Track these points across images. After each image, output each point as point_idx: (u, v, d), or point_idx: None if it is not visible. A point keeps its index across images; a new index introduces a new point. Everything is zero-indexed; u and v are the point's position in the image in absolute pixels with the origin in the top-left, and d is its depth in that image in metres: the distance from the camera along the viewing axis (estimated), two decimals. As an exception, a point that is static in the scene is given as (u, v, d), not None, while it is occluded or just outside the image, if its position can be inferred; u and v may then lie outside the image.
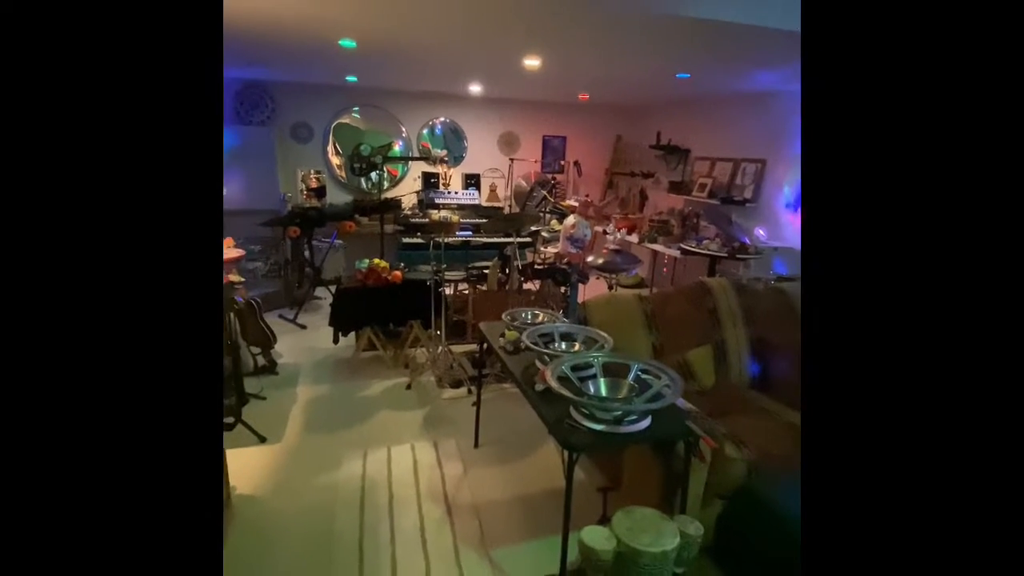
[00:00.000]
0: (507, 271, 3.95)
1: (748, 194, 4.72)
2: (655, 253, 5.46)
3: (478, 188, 6.15)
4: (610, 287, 4.27)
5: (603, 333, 2.16)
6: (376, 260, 3.72)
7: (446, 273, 3.77)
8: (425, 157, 5.79)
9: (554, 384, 1.67)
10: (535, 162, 6.52)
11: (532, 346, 2.06)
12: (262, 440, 2.82)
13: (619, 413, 1.62)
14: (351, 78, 5.07)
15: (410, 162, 6.04)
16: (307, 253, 5.04)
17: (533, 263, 4.21)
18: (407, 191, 5.89)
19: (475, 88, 5.41)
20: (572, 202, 5.42)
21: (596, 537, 1.49)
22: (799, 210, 4.21)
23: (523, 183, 6.40)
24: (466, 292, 4.30)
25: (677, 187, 5.52)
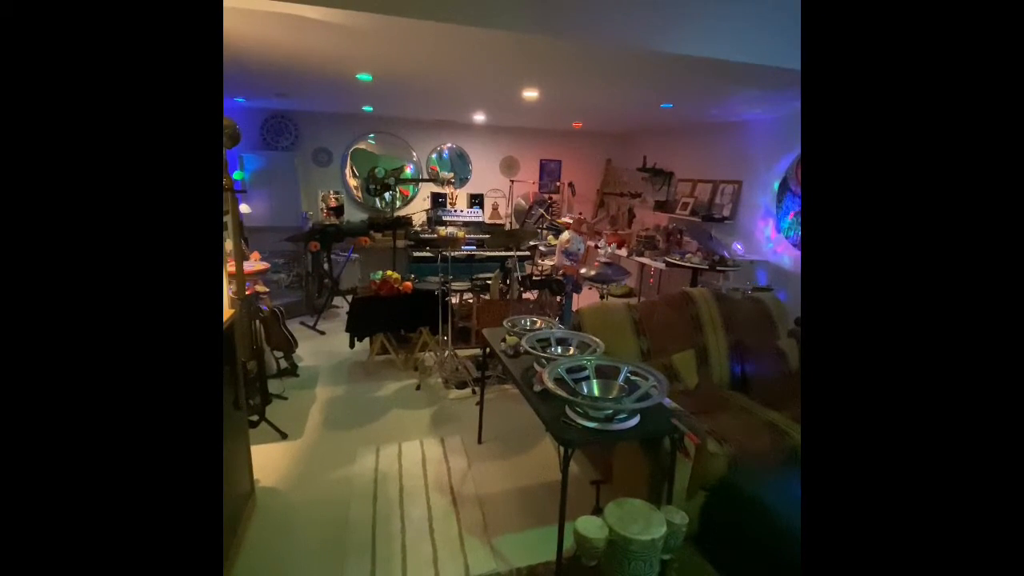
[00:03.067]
0: (508, 282, 3.95)
1: (726, 212, 4.73)
2: (642, 265, 5.46)
3: (482, 207, 6.17)
4: (601, 296, 4.26)
5: (595, 338, 2.16)
6: (389, 272, 3.72)
7: (452, 284, 3.77)
8: (434, 179, 5.81)
9: (551, 385, 1.66)
10: (533, 183, 6.55)
11: (531, 350, 2.05)
12: (284, 436, 2.81)
13: (610, 412, 1.61)
14: (367, 108, 5.11)
15: (420, 183, 6.07)
16: (326, 266, 5.05)
17: (531, 275, 4.21)
18: (417, 209, 5.91)
19: (479, 117, 5.45)
20: (567, 219, 5.44)
21: (590, 526, 1.48)
22: (780, 230, 4.21)
23: (522, 202, 6.42)
24: (470, 301, 4.29)
25: (662, 206, 5.53)
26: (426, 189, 6.06)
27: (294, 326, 4.42)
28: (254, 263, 3.79)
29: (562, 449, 1.56)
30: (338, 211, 5.67)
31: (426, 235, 5.23)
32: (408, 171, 6.00)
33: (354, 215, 5.83)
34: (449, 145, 6.21)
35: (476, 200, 6.22)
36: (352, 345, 3.74)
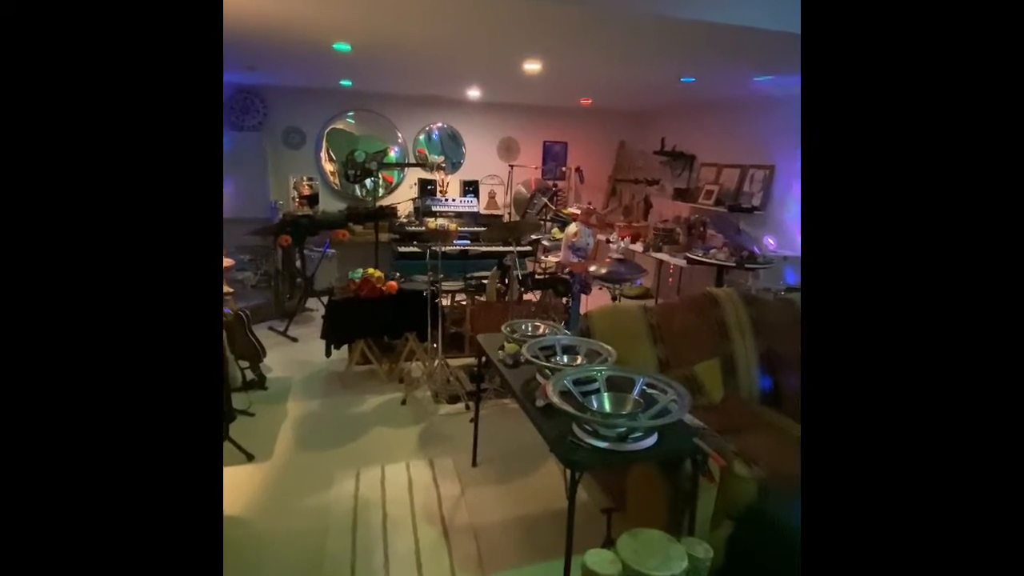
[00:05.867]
0: (506, 281, 3.95)
1: (756, 201, 4.73)
2: (660, 263, 5.47)
3: (476, 195, 6.18)
4: (613, 298, 4.26)
5: (606, 346, 2.16)
6: (370, 270, 3.72)
7: (443, 283, 3.77)
8: (422, 164, 5.82)
9: (555, 399, 1.66)
10: (535, 168, 6.56)
11: (532, 359, 2.05)
12: (250, 458, 2.80)
13: (623, 430, 1.61)
14: (345, 82, 5.11)
15: (406, 169, 6.07)
16: (299, 263, 5.05)
17: (533, 273, 4.21)
18: (403, 198, 5.92)
19: (474, 92, 5.45)
20: (574, 210, 5.43)
21: (600, 561, 1.48)
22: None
23: (523, 190, 6.43)
24: (464, 303, 4.30)
25: (682, 194, 5.53)
26: (413, 175, 6.07)
27: (262, 332, 4.41)
28: (216, 260, 3.78)
29: (568, 472, 1.56)
30: (312, 200, 5.67)
31: (413, 228, 5.23)
32: (392, 154, 6.00)
33: (331, 205, 5.83)
34: (439, 125, 6.21)
35: (470, 188, 6.22)
36: (328, 353, 3.74)
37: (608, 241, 5.63)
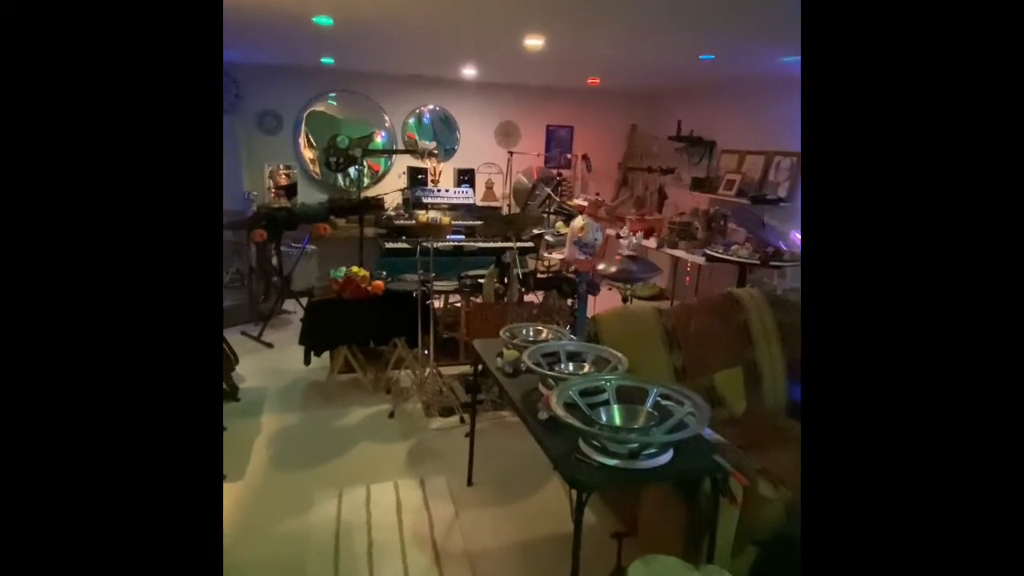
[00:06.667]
0: (505, 281, 3.95)
1: (783, 192, 4.73)
2: (676, 260, 5.47)
3: (472, 185, 6.18)
4: (624, 299, 4.27)
5: (616, 352, 2.16)
6: (354, 268, 3.72)
7: (435, 283, 3.77)
8: (411, 150, 5.80)
9: (560, 412, 1.66)
10: (538, 156, 6.57)
11: (534, 368, 2.05)
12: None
13: (635, 446, 1.61)
14: (327, 60, 5.11)
15: (394, 156, 6.08)
16: (275, 260, 5.05)
17: (535, 271, 4.21)
18: (390, 189, 5.91)
19: (469, 71, 5.45)
20: (580, 201, 5.45)
21: (609, 592, 1.47)
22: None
23: (524, 180, 6.43)
24: (458, 305, 4.30)
25: (701, 184, 5.54)
26: (401, 163, 6.08)
27: (234, 337, 4.42)
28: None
29: (574, 493, 1.56)
30: (290, 191, 5.68)
31: (402, 221, 5.23)
32: (379, 140, 6.01)
33: (310, 196, 5.84)
34: (431, 107, 6.22)
35: (465, 177, 6.22)
36: (307, 361, 3.74)
37: (618, 236, 5.62)
